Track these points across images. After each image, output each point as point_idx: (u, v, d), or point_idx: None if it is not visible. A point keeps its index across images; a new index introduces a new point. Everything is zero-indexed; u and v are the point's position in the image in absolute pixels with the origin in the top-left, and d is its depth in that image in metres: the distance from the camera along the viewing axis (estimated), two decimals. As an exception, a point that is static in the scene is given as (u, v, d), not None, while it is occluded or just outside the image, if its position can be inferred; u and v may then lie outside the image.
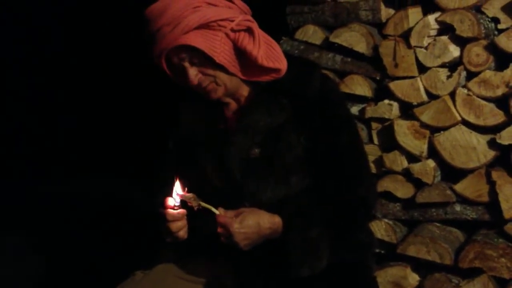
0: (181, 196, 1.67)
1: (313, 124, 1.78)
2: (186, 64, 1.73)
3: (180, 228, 1.71)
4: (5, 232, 3.59)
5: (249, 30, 1.71)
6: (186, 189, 1.69)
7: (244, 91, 1.83)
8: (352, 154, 1.83)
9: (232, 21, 1.69)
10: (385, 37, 2.43)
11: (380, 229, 2.49)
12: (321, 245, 1.74)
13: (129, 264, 2.04)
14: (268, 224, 1.71)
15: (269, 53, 1.74)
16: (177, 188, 1.68)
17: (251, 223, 1.69)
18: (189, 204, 1.68)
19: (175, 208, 1.68)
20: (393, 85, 2.40)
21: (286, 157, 1.78)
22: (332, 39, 2.50)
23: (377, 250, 2.49)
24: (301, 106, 1.77)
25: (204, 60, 1.72)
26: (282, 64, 1.75)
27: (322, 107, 1.78)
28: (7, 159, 4.52)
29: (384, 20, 2.45)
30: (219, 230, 1.69)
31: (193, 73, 1.74)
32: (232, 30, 1.70)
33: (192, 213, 1.71)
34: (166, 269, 1.93)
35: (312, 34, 2.57)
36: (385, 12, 2.45)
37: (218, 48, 1.68)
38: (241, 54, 1.73)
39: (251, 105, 1.80)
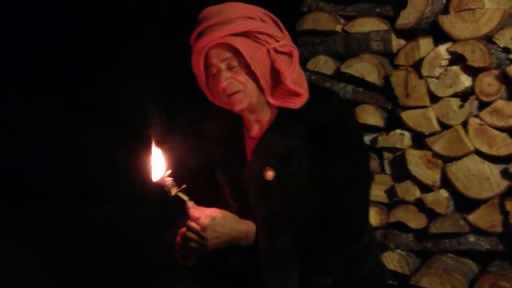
0: (160, 180, 1.71)
1: (324, 149, 1.79)
2: (222, 66, 1.78)
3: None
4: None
5: (290, 54, 1.77)
6: (169, 174, 1.72)
7: (266, 114, 1.87)
8: (349, 183, 1.82)
9: (278, 41, 1.76)
10: (396, 67, 2.44)
11: (393, 260, 2.47)
12: (290, 257, 1.75)
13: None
14: (241, 227, 1.75)
15: (298, 80, 1.80)
16: (160, 169, 1.72)
17: (225, 222, 1.73)
18: (165, 189, 1.71)
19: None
20: (405, 115, 2.40)
21: (297, 181, 1.79)
22: (344, 69, 2.51)
23: (390, 282, 2.46)
24: (315, 131, 1.80)
25: (240, 66, 1.77)
26: (306, 92, 1.80)
27: (333, 133, 1.80)
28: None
29: (395, 50, 2.47)
30: (189, 223, 1.71)
31: (226, 75, 1.78)
32: (275, 50, 1.76)
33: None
34: None
35: (324, 64, 2.59)
36: (396, 42, 2.47)
37: (258, 59, 1.75)
38: (274, 75, 1.80)
39: (269, 129, 1.84)
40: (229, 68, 1.77)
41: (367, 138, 2.50)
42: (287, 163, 1.79)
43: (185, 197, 1.72)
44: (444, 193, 2.38)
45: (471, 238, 2.36)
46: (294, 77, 1.77)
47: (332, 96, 1.88)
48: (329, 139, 1.79)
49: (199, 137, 2.00)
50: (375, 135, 2.49)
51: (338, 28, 2.58)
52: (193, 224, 1.71)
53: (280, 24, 1.81)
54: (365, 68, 2.46)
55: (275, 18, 1.81)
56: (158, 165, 1.75)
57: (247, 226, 1.76)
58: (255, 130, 1.88)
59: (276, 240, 1.74)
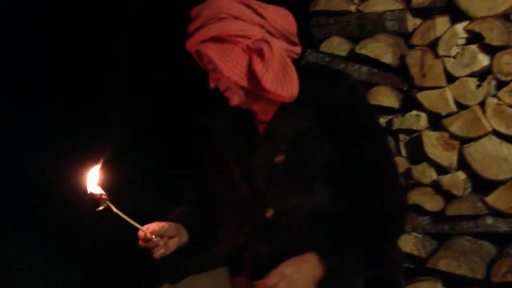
0: (97, 194, 1.70)
1: (338, 131, 1.75)
2: (209, 67, 1.78)
3: (157, 250, 1.79)
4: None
5: (260, 52, 1.71)
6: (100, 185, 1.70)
7: (269, 101, 1.82)
8: (381, 163, 1.79)
9: (249, 38, 1.71)
10: (412, 47, 2.41)
11: (409, 243, 2.44)
12: (357, 274, 1.70)
13: (156, 277, 2.00)
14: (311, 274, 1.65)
15: (280, 77, 1.73)
16: (93, 180, 1.70)
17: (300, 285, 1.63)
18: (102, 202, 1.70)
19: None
20: (421, 96, 2.37)
21: (309, 165, 1.76)
22: (358, 50, 2.48)
23: (406, 265, 2.43)
24: (326, 113, 1.75)
25: (219, 69, 1.75)
26: (287, 91, 1.73)
27: (347, 114, 1.76)
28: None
29: (411, 30, 2.43)
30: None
31: (213, 76, 1.78)
32: (248, 47, 1.72)
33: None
34: (191, 281, 1.89)
35: (337, 45, 2.55)
36: (412, 22, 2.43)
37: (231, 61, 1.71)
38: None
39: (277, 114, 1.81)
40: (213, 69, 1.76)
41: (382, 120, 2.46)
42: (297, 146, 1.76)
43: (127, 218, 1.72)
44: (461, 175, 2.34)
45: (489, 220, 2.33)
46: (270, 77, 1.70)
47: (344, 77, 1.83)
48: (342, 120, 1.75)
49: (207, 125, 1.99)
50: (390, 117, 2.46)
51: (352, 8, 2.54)
52: None
53: (259, 7, 1.74)
54: (380, 49, 2.43)
55: (251, 3, 1.74)
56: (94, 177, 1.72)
57: (315, 267, 1.65)
58: (264, 114, 1.84)
59: (347, 263, 1.68)
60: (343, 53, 2.54)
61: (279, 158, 1.77)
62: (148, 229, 1.78)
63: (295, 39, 1.80)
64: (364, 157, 1.75)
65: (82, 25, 4.91)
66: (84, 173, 1.73)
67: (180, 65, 4.55)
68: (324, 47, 2.58)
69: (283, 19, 1.76)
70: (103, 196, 1.70)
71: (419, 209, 2.42)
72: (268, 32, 1.74)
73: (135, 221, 1.75)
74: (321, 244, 1.67)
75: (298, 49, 1.80)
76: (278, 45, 1.73)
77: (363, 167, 1.75)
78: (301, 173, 1.76)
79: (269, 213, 1.78)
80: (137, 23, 4.77)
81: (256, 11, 1.74)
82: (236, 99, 1.78)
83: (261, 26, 1.73)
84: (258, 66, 1.69)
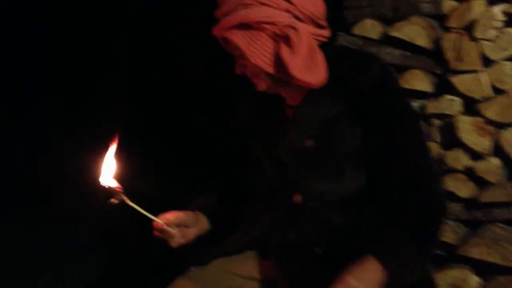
0: (112, 187, 1.69)
1: (368, 115, 1.72)
2: (236, 53, 1.76)
3: (173, 240, 1.82)
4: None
5: (287, 39, 1.69)
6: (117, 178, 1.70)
7: (297, 86, 1.78)
8: (414, 146, 1.75)
9: (276, 25, 1.68)
10: (447, 29, 2.35)
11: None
12: (416, 271, 1.66)
13: (183, 260, 2.00)
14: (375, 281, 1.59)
15: (308, 64, 1.70)
16: (109, 174, 1.70)
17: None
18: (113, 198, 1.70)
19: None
20: (456, 80, 2.32)
21: (340, 149, 1.73)
22: (392, 33, 2.43)
23: (438, 252, 2.40)
24: (356, 97, 1.73)
25: (245, 55, 1.73)
26: (315, 78, 1.70)
27: (378, 97, 1.73)
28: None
29: (446, 12, 2.37)
30: None
31: (239, 63, 1.77)
32: (275, 34, 1.69)
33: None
34: (219, 264, 1.91)
35: (370, 28, 2.50)
36: (448, 3, 2.37)
37: (258, 48, 1.69)
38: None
39: (306, 98, 1.78)
40: (240, 55, 1.74)
41: (415, 105, 2.41)
42: (327, 131, 1.73)
43: (142, 210, 1.73)
44: (495, 161, 2.30)
45: (523, 208, 2.29)
46: (297, 64, 1.67)
47: (374, 60, 1.79)
48: (373, 104, 1.72)
49: (235, 110, 1.98)
50: (423, 101, 2.41)
51: (386, -11, 2.49)
52: None
53: None
54: (414, 32, 2.38)
55: None
56: (109, 169, 1.71)
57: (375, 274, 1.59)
58: (292, 99, 1.82)
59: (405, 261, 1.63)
60: (376, 36, 2.50)
61: (308, 144, 1.75)
62: (163, 219, 1.79)
63: (324, 23, 1.77)
64: (396, 141, 1.72)
65: (82, 25, 4.94)
66: (98, 166, 1.72)
67: (180, 65, 4.62)
68: (357, 29, 2.53)
69: (311, 3, 1.73)
70: (118, 189, 1.70)
71: (451, 196, 2.37)
72: (296, 17, 1.71)
73: (152, 211, 1.76)
74: (374, 245, 1.62)
75: (326, 33, 1.77)
76: (306, 30, 1.70)
77: (395, 151, 1.72)
78: (330, 158, 1.74)
79: (297, 198, 1.77)
80: (137, 23, 4.78)
81: None
82: (263, 85, 1.77)
83: (288, 11, 1.70)
84: (285, 53, 1.67)
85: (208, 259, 1.91)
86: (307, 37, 1.69)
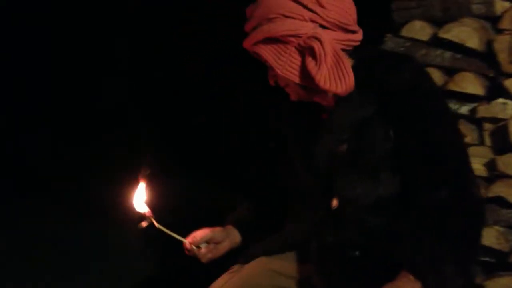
0: (143, 212, 1.85)
1: (401, 116, 1.71)
2: (268, 64, 1.78)
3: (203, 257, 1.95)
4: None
5: (312, 50, 1.70)
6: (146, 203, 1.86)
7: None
8: (453, 149, 1.73)
9: (300, 37, 1.70)
10: (499, 31, 2.29)
11: (491, 236, 2.34)
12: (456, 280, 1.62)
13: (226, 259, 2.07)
14: None
15: (334, 74, 1.71)
16: (140, 199, 1.85)
17: None
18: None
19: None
20: (509, 83, 2.26)
21: (373, 152, 1.73)
22: (442, 34, 2.37)
23: (486, 259, 2.34)
24: (388, 98, 1.72)
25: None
26: (342, 88, 1.71)
27: (411, 98, 1.72)
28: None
29: (498, 13, 2.31)
30: None
31: (270, 74, 1.80)
32: (300, 45, 1.71)
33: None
34: (261, 262, 1.94)
35: (419, 30, 2.45)
36: (500, 5, 2.31)
37: (285, 60, 1.71)
38: None
39: (338, 103, 1.79)
40: (270, 67, 1.78)
41: (465, 108, 2.36)
42: (360, 135, 1.74)
43: (171, 233, 1.90)
44: (549, 167, 2.23)
45: None
46: (323, 74, 1.68)
47: (408, 61, 1.80)
48: (406, 105, 1.71)
49: (271, 112, 2.01)
50: (474, 104, 2.36)
51: (436, -10, 2.44)
52: None
53: (309, 1, 1.70)
54: (465, 33, 2.32)
55: None
56: (141, 197, 1.86)
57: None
58: (326, 103, 1.82)
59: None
60: (425, 37, 2.44)
61: (342, 148, 1.76)
62: (191, 239, 1.94)
63: (354, 27, 1.77)
64: (431, 143, 1.70)
65: (82, 25, 4.98)
66: (129, 192, 1.88)
67: (180, 65, 4.64)
68: (405, 31, 2.48)
69: (337, 10, 1.72)
70: (147, 214, 1.86)
71: (502, 202, 2.31)
72: (322, 25, 1.71)
73: (181, 230, 1.94)
74: (411, 259, 1.61)
75: (357, 37, 1.78)
76: (331, 39, 1.70)
77: (431, 154, 1.69)
78: (365, 162, 1.74)
79: (334, 202, 1.77)
80: (137, 23, 4.80)
81: (306, 6, 1.70)
82: (294, 96, 1.80)
83: (313, 21, 1.70)
84: (310, 64, 1.69)
85: (250, 257, 1.97)
86: (332, 46, 1.70)
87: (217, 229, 1.98)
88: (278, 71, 1.73)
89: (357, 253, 1.74)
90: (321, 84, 1.69)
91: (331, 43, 1.70)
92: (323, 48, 1.68)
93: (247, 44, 1.77)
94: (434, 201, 1.66)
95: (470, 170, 1.77)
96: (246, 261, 1.97)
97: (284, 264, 1.92)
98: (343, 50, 1.74)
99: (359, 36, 1.79)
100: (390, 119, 1.72)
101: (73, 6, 4.92)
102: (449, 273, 1.59)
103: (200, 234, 1.96)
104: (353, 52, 1.79)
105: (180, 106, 4.51)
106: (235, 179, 2.90)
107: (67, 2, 4.92)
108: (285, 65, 1.72)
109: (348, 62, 1.73)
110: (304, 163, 1.86)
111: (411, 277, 1.57)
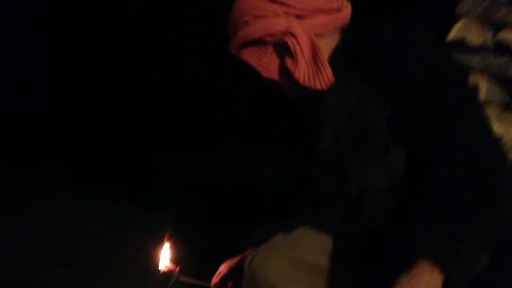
0: (166, 268, 1.92)
1: (394, 85, 1.60)
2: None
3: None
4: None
5: (287, 46, 1.68)
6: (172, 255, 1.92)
7: None
8: (465, 114, 1.56)
9: (275, 35, 1.68)
10: None
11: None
12: (479, 263, 1.50)
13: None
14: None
15: (312, 68, 1.69)
16: (165, 255, 1.91)
17: None
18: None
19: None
20: None
21: (375, 131, 1.64)
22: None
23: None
24: (376, 70, 1.63)
25: None
26: (320, 82, 1.68)
27: (399, 60, 1.59)
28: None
29: None
30: None
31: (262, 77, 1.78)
32: (276, 44, 1.69)
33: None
34: (304, 231, 1.85)
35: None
36: None
37: (266, 62, 1.71)
38: None
39: (330, 89, 1.71)
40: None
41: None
42: (358, 118, 1.66)
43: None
44: None
45: None
46: (301, 70, 1.68)
47: (388, 24, 1.67)
48: (399, 72, 1.59)
49: (274, 104, 1.98)
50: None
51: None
52: None
53: None
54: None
55: None
56: (165, 257, 1.93)
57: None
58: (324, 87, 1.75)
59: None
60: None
61: (344, 136, 1.69)
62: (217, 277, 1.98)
63: (337, 5, 1.68)
64: (435, 109, 1.57)
65: (82, 25, 4.93)
66: (155, 252, 1.93)
67: (180, 65, 4.57)
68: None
69: None
70: (176, 270, 1.92)
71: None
72: (298, 15, 1.68)
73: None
74: (429, 245, 1.49)
75: (343, 14, 1.69)
76: (309, 29, 1.67)
77: (436, 122, 1.56)
78: (370, 142, 1.65)
79: (352, 190, 1.70)
80: (137, 23, 4.78)
81: (276, 1, 1.67)
82: (290, 92, 1.77)
83: (287, 14, 1.67)
84: (288, 61, 1.67)
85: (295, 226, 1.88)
86: (307, 39, 1.66)
87: (232, 263, 1.99)
88: (263, 73, 1.70)
89: (380, 238, 1.64)
90: (301, 80, 1.66)
91: (308, 34, 1.65)
92: (298, 43, 1.64)
93: (231, 49, 1.75)
94: (446, 177, 1.52)
95: (486, 132, 1.58)
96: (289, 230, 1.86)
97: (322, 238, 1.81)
98: (329, 32, 1.68)
99: (345, 13, 1.70)
100: (382, 94, 1.60)
101: (73, 6, 4.83)
102: (468, 250, 1.46)
103: (218, 276, 1.99)
104: (347, 29, 1.71)
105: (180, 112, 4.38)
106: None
107: (67, 2, 4.83)
108: (268, 66, 1.70)
109: (323, 54, 1.67)
110: (307, 153, 1.82)
111: (430, 267, 1.47)
